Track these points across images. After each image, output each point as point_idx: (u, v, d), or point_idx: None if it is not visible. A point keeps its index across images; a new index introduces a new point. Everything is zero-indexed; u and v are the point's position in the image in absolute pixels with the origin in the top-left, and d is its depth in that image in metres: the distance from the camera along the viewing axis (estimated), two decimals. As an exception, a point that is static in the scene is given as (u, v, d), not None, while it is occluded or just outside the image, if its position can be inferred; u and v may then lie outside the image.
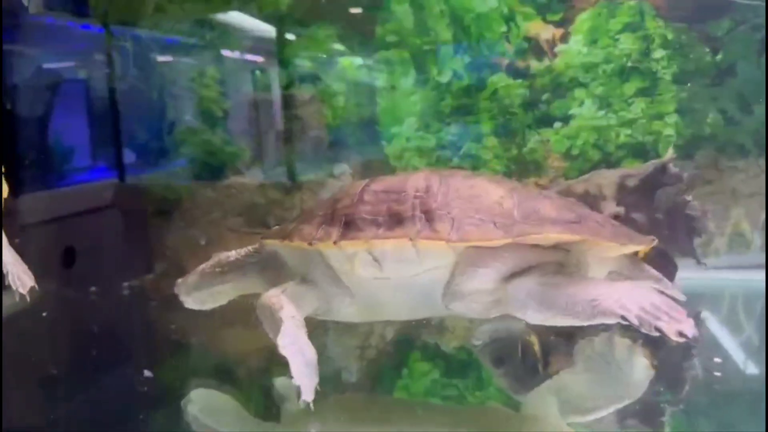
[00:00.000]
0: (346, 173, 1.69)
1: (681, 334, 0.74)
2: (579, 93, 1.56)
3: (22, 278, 0.98)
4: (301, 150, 1.71)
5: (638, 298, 0.77)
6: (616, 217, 1.18)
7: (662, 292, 0.80)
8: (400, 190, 0.90)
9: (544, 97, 1.58)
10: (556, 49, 1.56)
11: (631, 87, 1.54)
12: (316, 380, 0.82)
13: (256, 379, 1.12)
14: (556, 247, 0.87)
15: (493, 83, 1.59)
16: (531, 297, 0.84)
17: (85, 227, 1.65)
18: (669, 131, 1.53)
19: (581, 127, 1.57)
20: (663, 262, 1.17)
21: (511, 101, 1.59)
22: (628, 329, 0.89)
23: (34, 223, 1.49)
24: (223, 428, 0.95)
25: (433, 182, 0.89)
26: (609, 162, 1.56)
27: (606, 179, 1.25)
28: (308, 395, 0.80)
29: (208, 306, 1.09)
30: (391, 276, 0.89)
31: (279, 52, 1.68)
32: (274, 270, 0.99)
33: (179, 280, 1.09)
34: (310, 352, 0.84)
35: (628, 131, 1.55)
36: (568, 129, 1.57)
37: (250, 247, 1.03)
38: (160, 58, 1.88)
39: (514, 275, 0.86)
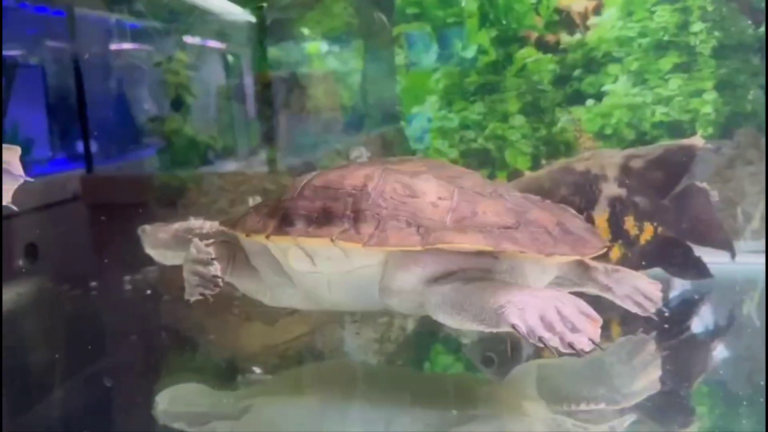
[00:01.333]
0: (363, 156, 1.61)
1: (570, 346, 0.76)
2: (613, 68, 1.48)
3: None
4: (315, 132, 1.62)
5: (543, 308, 0.78)
6: (616, 199, 1.17)
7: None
8: (337, 186, 0.91)
9: (576, 73, 1.49)
10: (589, 22, 1.48)
11: (667, 62, 1.46)
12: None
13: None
14: (483, 253, 0.87)
15: (522, 58, 1.50)
16: (444, 301, 0.86)
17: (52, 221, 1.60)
18: (707, 109, 1.46)
19: (615, 104, 1.49)
20: (670, 248, 1.19)
21: (541, 77, 1.50)
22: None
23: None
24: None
25: (372, 180, 0.90)
26: (644, 141, 1.48)
27: (610, 159, 1.21)
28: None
29: (169, 263, 1.12)
30: (324, 271, 0.91)
31: (291, 29, 1.58)
32: (236, 250, 1.01)
33: (147, 227, 1.13)
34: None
35: (665, 109, 1.47)
36: (601, 107, 1.49)
37: (218, 225, 1.06)
38: (126, 44, 1.80)
39: (436, 278, 0.88)
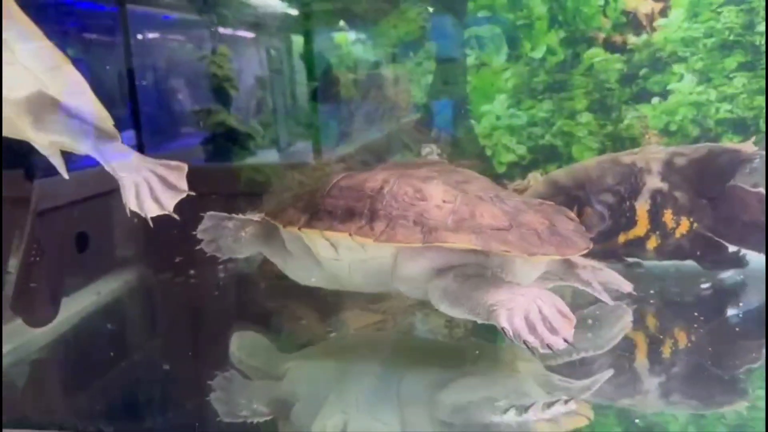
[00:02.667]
0: (433, 154, 1.68)
1: (549, 346, 0.88)
2: (678, 68, 1.53)
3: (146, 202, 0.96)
4: (389, 130, 1.70)
5: (528, 309, 0.90)
6: (657, 192, 1.25)
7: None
8: (359, 188, 1.06)
9: (642, 72, 1.54)
10: (655, 23, 1.52)
11: (732, 61, 1.50)
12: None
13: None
14: (477, 251, 0.99)
15: (589, 58, 1.56)
16: (444, 295, 0.99)
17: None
18: (771, 106, 1.49)
19: (680, 102, 1.53)
20: (704, 245, 1.26)
21: (608, 76, 1.56)
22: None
23: (49, 209, 1.49)
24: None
25: (388, 184, 1.04)
26: (708, 138, 1.53)
27: (655, 154, 1.28)
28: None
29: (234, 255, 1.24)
30: (345, 259, 1.06)
31: (373, 29, 1.66)
32: (275, 235, 1.17)
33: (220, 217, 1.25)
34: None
35: (729, 106, 1.52)
36: (667, 104, 1.54)
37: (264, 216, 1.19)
38: (170, 37, 1.86)
39: (440, 270, 1.01)
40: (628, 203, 1.25)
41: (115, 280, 1.47)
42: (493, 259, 1.02)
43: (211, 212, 1.20)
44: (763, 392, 0.93)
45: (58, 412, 0.99)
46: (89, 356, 1.16)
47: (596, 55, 1.56)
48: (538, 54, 1.58)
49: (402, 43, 1.65)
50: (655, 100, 1.55)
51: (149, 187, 0.99)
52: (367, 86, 1.70)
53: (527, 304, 0.91)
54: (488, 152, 1.64)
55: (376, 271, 1.06)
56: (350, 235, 1.01)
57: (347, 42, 1.72)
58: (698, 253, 1.27)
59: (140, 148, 1.76)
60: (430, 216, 1.00)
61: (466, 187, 1.07)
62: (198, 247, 1.20)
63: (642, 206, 1.26)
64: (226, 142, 1.80)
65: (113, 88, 1.81)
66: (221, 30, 1.83)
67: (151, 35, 1.87)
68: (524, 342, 0.88)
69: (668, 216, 1.26)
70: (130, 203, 0.97)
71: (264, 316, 1.31)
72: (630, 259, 1.30)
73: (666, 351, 1.08)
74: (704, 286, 1.26)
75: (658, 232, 1.27)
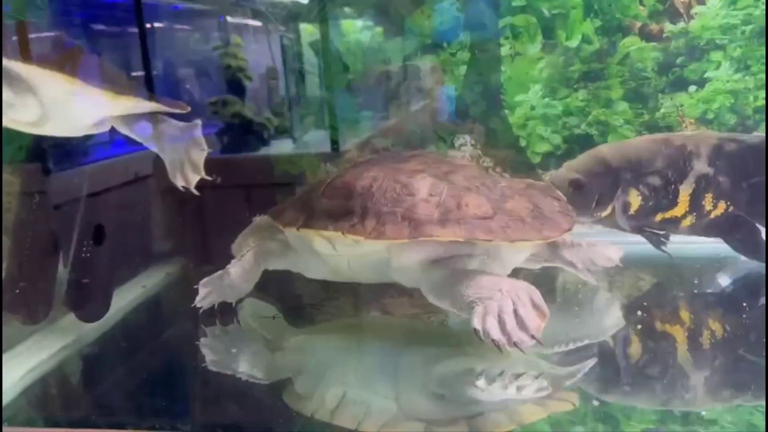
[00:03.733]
0: (467, 144, 1.68)
1: (515, 345, 0.92)
2: (715, 55, 1.52)
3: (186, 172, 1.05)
4: (423, 121, 1.70)
5: (502, 306, 0.95)
6: (703, 176, 1.26)
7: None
8: (351, 187, 1.10)
9: (679, 60, 1.54)
10: (693, 11, 1.52)
11: (771, 48, 1.49)
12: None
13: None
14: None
15: (625, 47, 1.55)
16: (432, 288, 1.06)
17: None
18: (811, 94, 1.48)
19: (717, 90, 1.53)
20: (737, 224, 1.27)
21: (644, 65, 1.55)
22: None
23: (66, 202, 1.50)
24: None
25: (377, 181, 1.09)
26: (745, 126, 1.52)
27: (707, 138, 1.28)
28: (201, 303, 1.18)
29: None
30: (343, 253, 1.11)
31: (403, 20, 1.66)
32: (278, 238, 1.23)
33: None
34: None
35: (767, 94, 1.51)
36: (704, 93, 1.53)
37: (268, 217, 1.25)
38: (183, 27, 1.86)
39: (430, 262, 1.06)
40: (672, 186, 1.26)
41: (157, 273, 1.49)
42: (479, 247, 1.06)
43: (203, 280, 1.21)
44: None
45: (115, 411, 1.01)
46: (144, 351, 1.18)
47: (632, 43, 1.55)
48: (574, 43, 1.58)
49: (436, 33, 1.65)
50: (692, 88, 1.54)
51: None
52: (401, 77, 1.70)
53: (502, 300, 0.95)
54: (522, 142, 1.64)
55: (374, 263, 1.11)
56: (343, 233, 1.06)
57: (380, 33, 1.72)
58: (728, 231, 1.28)
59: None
60: (417, 210, 1.05)
61: (453, 177, 1.11)
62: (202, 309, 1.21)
63: (685, 190, 1.26)
64: (241, 133, 1.82)
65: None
66: (241, 20, 1.83)
67: (164, 26, 1.87)
68: (492, 341, 0.93)
69: (708, 199, 1.26)
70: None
71: (298, 303, 1.34)
72: (660, 232, 1.31)
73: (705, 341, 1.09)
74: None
75: (695, 213, 1.27)
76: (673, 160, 1.26)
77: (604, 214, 1.29)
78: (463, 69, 1.66)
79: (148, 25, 1.76)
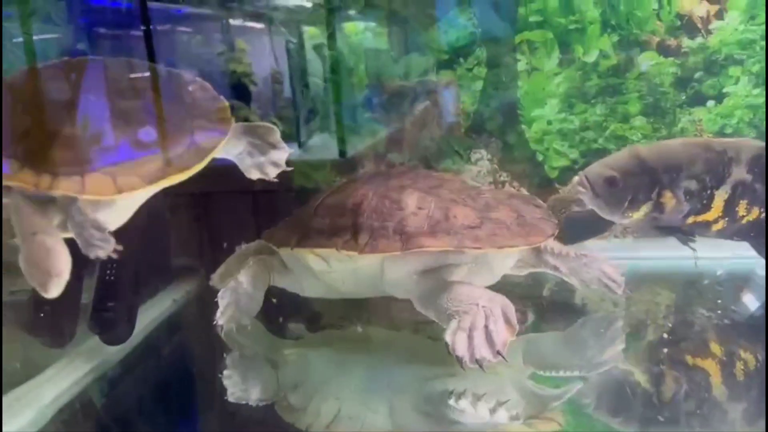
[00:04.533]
0: (483, 159, 1.68)
1: (477, 362, 0.95)
2: (734, 71, 1.52)
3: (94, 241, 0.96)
4: (438, 136, 1.70)
5: (475, 321, 0.97)
6: (740, 183, 1.24)
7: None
8: (342, 205, 1.15)
9: (697, 75, 1.53)
10: (711, 26, 1.52)
11: (789, 63, 1.49)
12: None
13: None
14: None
15: (643, 62, 1.55)
16: (419, 300, 1.10)
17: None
18: (829, 108, 1.48)
19: (736, 105, 1.52)
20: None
21: (662, 80, 1.55)
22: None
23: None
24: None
25: (367, 198, 1.14)
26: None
27: (748, 145, 1.26)
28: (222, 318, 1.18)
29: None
30: (337, 270, 1.15)
31: (423, 35, 1.66)
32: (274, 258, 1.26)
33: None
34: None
35: (786, 109, 1.50)
36: (722, 107, 1.53)
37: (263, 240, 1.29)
38: (187, 32, 1.85)
39: (420, 273, 1.11)
40: (708, 191, 1.23)
41: (186, 286, 1.49)
42: (467, 255, 1.11)
43: (219, 293, 1.21)
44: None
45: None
46: (170, 372, 1.19)
47: (650, 58, 1.55)
48: (591, 58, 1.58)
49: (452, 49, 1.65)
50: (710, 103, 1.54)
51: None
52: (417, 93, 1.70)
53: (476, 315, 0.98)
54: (539, 157, 1.63)
55: (367, 277, 1.15)
56: (337, 249, 1.10)
57: (395, 48, 1.71)
58: (756, 234, 1.26)
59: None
60: (407, 224, 1.09)
61: (439, 191, 1.16)
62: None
63: (721, 195, 1.24)
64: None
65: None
66: (244, 23, 1.83)
67: (167, 30, 1.85)
68: (456, 359, 0.96)
69: (743, 205, 1.25)
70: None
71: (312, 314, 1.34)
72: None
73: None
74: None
75: (727, 218, 1.26)
76: (713, 165, 1.24)
77: (636, 215, 1.26)
78: (479, 84, 1.65)
79: (156, 30, 1.73)
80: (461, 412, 0.94)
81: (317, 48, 1.78)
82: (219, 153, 1.13)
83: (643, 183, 1.25)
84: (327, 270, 1.16)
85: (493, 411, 0.93)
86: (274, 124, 1.80)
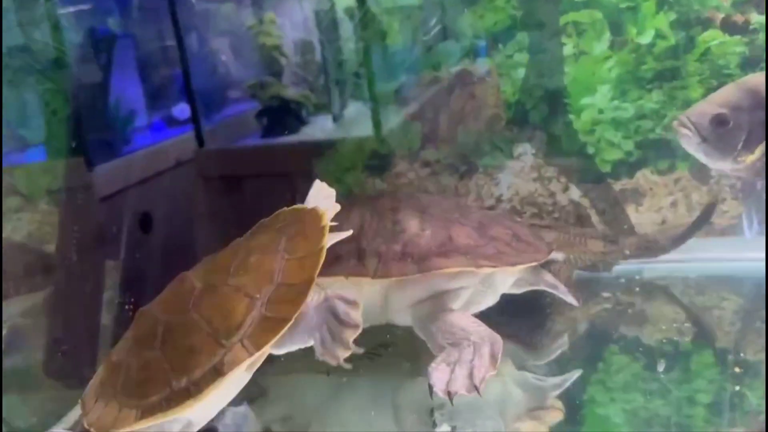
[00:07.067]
0: (527, 153, 1.55)
1: (449, 393, 0.92)
2: (809, 48, 1.37)
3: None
4: (477, 130, 1.57)
5: (462, 357, 0.95)
6: None
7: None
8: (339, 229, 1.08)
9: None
10: (782, -1, 1.37)
11: None
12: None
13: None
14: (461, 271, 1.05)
15: (705, 41, 1.41)
16: (418, 329, 1.07)
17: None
18: None
19: (811, 86, 1.38)
20: None
21: (727, 61, 1.40)
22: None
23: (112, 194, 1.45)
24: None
25: (366, 220, 1.10)
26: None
27: None
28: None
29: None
30: None
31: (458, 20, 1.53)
32: None
33: None
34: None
35: None
36: (795, 89, 1.38)
37: None
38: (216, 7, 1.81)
39: (421, 300, 1.07)
40: None
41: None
42: (476, 277, 1.07)
43: None
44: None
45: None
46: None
47: (713, 37, 1.40)
48: (646, 39, 1.43)
49: (490, 34, 1.51)
50: (783, 85, 1.39)
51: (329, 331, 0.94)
52: (452, 84, 1.57)
53: (462, 351, 0.95)
54: (590, 149, 1.50)
55: (369, 303, 1.07)
56: (346, 277, 1.04)
57: (429, 36, 1.58)
58: None
59: (195, 119, 1.73)
60: (414, 245, 1.06)
61: (431, 210, 1.13)
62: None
63: None
64: (281, 114, 1.74)
65: (163, 61, 1.81)
66: None
67: (197, 4, 1.82)
68: (430, 394, 0.93)
69: None
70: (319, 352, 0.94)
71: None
72: None
73: None
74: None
75: None
76: None
77: (751, 158, 1.08)
78: (521, 72, 1.52)
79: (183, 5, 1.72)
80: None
81: (348, 11, 1.66)
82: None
83: (757, 118, 1.07)
84: None
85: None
86: (307, 96, 1.74)
